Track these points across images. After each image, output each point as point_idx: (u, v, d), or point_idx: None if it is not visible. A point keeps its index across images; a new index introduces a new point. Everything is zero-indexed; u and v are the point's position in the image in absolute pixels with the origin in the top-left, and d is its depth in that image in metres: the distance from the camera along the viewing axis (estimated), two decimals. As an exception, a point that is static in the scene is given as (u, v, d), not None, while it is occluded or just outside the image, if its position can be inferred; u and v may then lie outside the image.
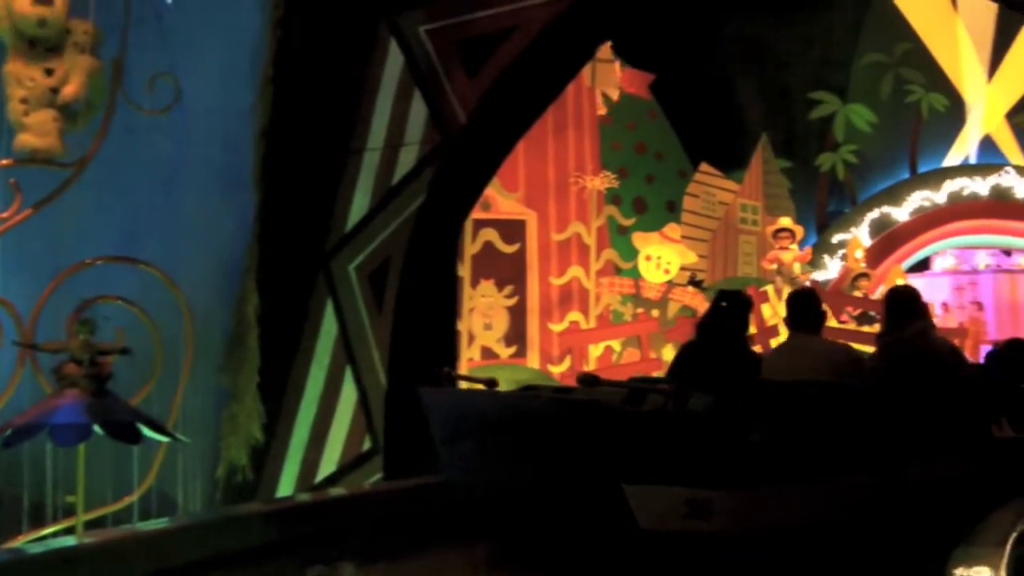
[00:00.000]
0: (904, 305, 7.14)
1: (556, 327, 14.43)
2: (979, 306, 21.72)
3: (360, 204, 10.41)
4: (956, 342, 16.96)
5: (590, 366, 14.18)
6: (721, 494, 5.42)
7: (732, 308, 6.59)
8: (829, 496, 5.72)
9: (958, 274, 22.16)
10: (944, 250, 21.36)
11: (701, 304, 14.42)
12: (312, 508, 7.95)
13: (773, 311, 14.01)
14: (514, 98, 10.07)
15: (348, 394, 10.69)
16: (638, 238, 14.48)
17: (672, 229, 14.77)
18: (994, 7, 19.29)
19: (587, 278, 14.75)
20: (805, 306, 6.98)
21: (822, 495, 5.69)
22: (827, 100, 19.24)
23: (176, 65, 9.43)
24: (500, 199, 14.18)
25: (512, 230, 14.31)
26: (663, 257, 14.36)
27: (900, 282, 16.89)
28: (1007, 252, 22.79)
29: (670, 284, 14.54)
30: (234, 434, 10.46)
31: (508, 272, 14.36)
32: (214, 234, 10.26)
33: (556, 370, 14.10)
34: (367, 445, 10.60)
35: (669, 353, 13.88)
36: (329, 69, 10.23)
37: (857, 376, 6.65)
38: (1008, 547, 5.11)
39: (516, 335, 14.43)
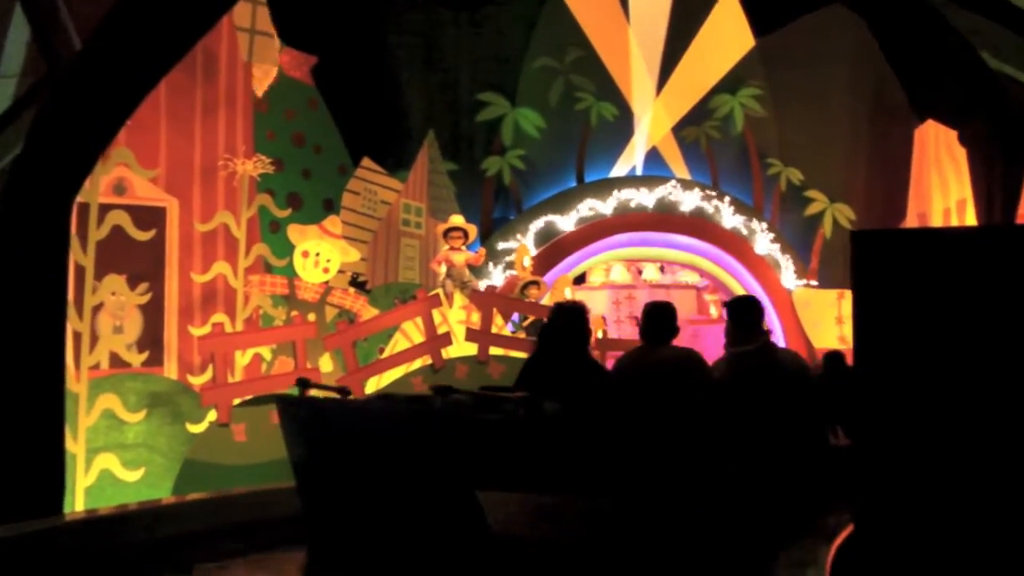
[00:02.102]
0: (750, 316, 7.15)
1: (198, 331, 12.03)
2: (636, 320, 20.89)
3: (-66, 156, 7.89)
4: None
5: (236, 376, 11.95)
6: (569, 500, 5.46)
7: (572, 317, 6.61)
8: (672, 503, 5.72)
9: (617, 288, 21.40)
10: (603, 263, 20.50)
11: (364, 308, 12.41)
12: None
13: (443, 318, 12.20)
14: (145, 27, 7.72)
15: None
16: (294, 232, 12.28)
17: (333, 223, 12.64)
18: (665, 20, 18.54)
19: (235, 276, 12.44)
20: (662, 319, 6.84)
21: (666, 502, 5.68)
22: (496, 102, 17.90)
23: None
24: (136, 181, 11.74)
25: (149, 217, 11.86)
26: (322, 254, 12.20)
27: (569, 293, 15.58)
28: (661, 268, 22.17)
29: (329, 285, 12.38)
30: None
31: (143, 265, 11.89)
32: None
33: (197, 381, 11.74)
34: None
35: (327, 363, 11.83)
36: None
37: (708, 384, 6.65)
38: (831, 553, 5.51)
39: (151, 339, 11.95)
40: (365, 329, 11.77)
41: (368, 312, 12.44)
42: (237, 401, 10.47)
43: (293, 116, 15.24)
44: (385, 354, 11.97)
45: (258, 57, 13.12)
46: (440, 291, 12.50)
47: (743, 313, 7.19)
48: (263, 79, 13.30)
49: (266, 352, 12.19)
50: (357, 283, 13.22)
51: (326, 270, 12.26)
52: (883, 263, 4.91)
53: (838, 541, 5.66)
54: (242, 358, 12.17)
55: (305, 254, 12.16)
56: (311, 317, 11.92)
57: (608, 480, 5.57)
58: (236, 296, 12.47)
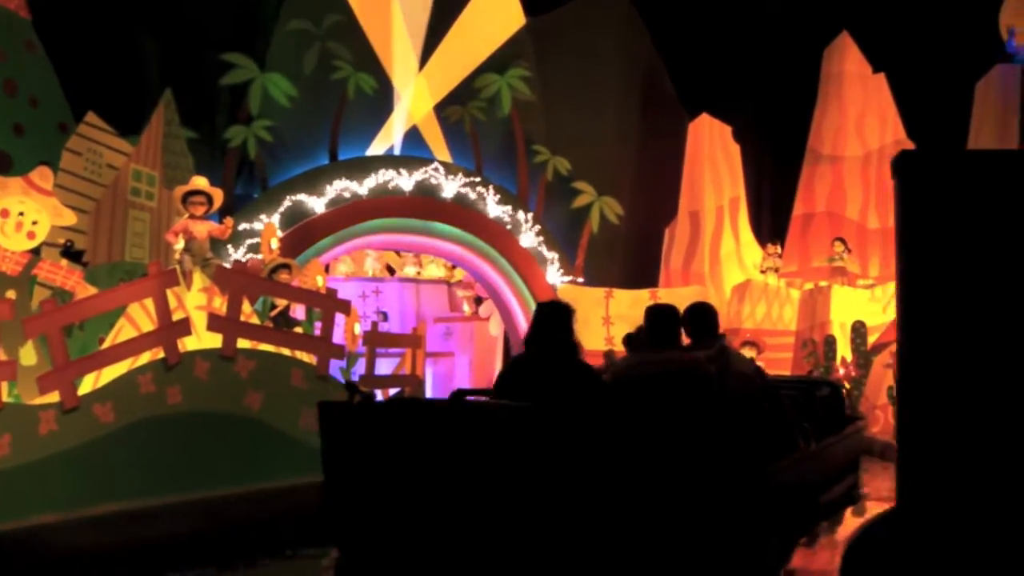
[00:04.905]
0: (707, 321, 6.94)
1: None
2: (384, 316, 18.72)
3: None
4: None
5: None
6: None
7: (558, 318, 6.05)
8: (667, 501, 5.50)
9: (364, 281, 19.20)
10: (346, 254, 18.23)
11: (79, 285, 9.55)
12: None
13: (179, 301, 9.53)
14: None
15: None
16: (-8, 185, 9.34)
17: (42, 175, 9.63)
18: (432, -9, 16.45)
19: (-86, 241, 9.34)
20: (667, 323, 6.40)
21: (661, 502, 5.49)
22: (243, 65, 15.33)
23: None
24: None
25: None
26: (27, 214, 9.23)
27: (321, 281, 13.17)
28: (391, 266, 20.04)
29: (36, 254, 9.51)
30: None
31: None
32: None
33: None
34: None
35: (30, 354, 8.93)
36: None
37: (703, 386, 6.20)
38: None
39: None
40: (80, 311, 8.92)
41: (85, 291, 9.58)
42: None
43: (5, 59, 12.18)
44: (106, 344, 9.20)
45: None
46: (177, 268, 9.80)
47: (701, 318, 6.93)
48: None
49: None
50: (70, 252, 10.18)
51: (32, 235, 9.31)
52: (940, 194, 4.04)
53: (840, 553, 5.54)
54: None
55: (5, 213, 9.20)
56: (10, 294, 9.00)
57: (611, 485, 5.37)
58: (-87, 266, 9.39)
